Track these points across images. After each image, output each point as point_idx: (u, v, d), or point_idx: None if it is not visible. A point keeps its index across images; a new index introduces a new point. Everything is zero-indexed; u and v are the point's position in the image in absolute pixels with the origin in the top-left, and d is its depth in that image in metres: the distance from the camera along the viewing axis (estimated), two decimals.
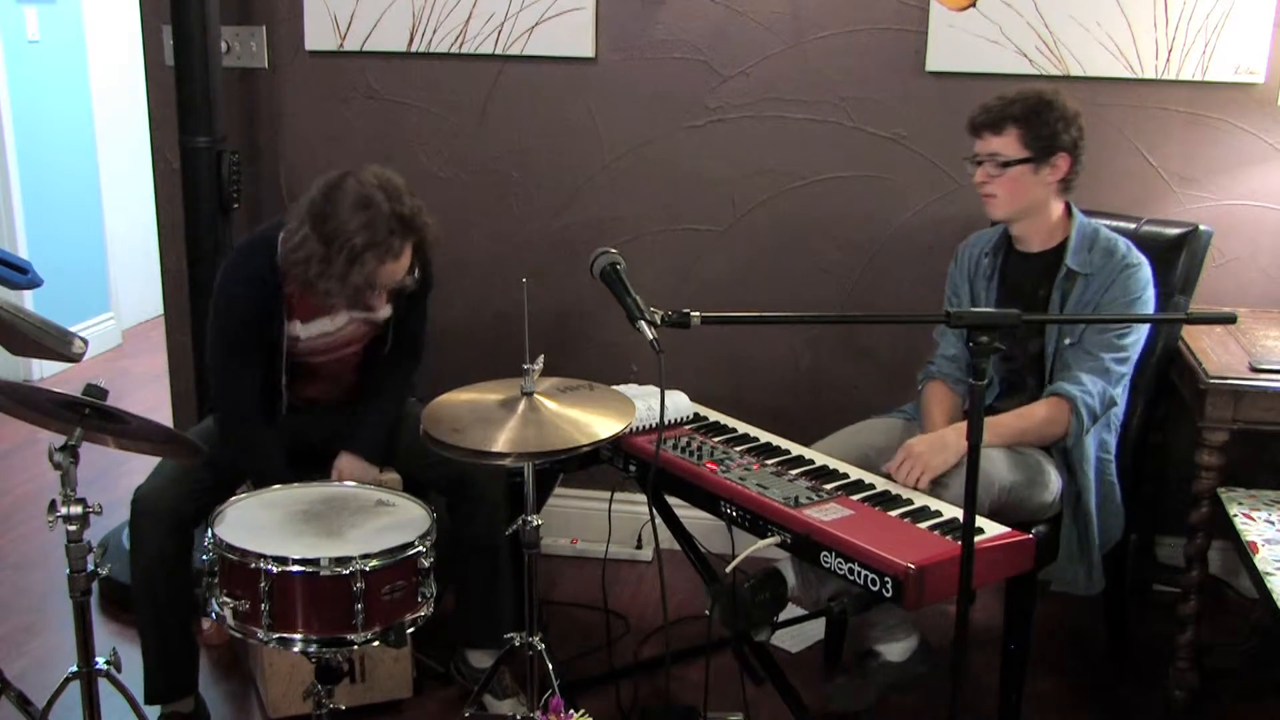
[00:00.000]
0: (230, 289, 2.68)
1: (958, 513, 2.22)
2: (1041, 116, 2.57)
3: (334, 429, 2.85)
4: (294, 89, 3.54)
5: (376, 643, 2.23)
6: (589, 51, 3.36)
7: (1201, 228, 2.87)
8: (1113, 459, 2.69)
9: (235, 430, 2.73)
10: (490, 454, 2.15)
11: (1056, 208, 2.68)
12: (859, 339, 3.44)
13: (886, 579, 2.09)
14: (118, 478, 3.87)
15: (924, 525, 2.27)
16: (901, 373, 2.94)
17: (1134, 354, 2.63)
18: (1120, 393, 2.63)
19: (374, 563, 2.19)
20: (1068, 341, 2.63)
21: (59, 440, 2.07)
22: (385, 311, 2.77)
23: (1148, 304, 2.63)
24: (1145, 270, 2.63)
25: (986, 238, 2.82)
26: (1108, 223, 2.94)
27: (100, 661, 2.23)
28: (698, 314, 2.06)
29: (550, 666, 2.43)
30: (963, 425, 2.57)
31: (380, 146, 3.50)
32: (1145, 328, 2.65)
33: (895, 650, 2.76)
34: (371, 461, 2.76)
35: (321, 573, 2.16)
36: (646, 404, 2.65)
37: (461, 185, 3.53)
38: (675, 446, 2.61)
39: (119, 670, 2.26)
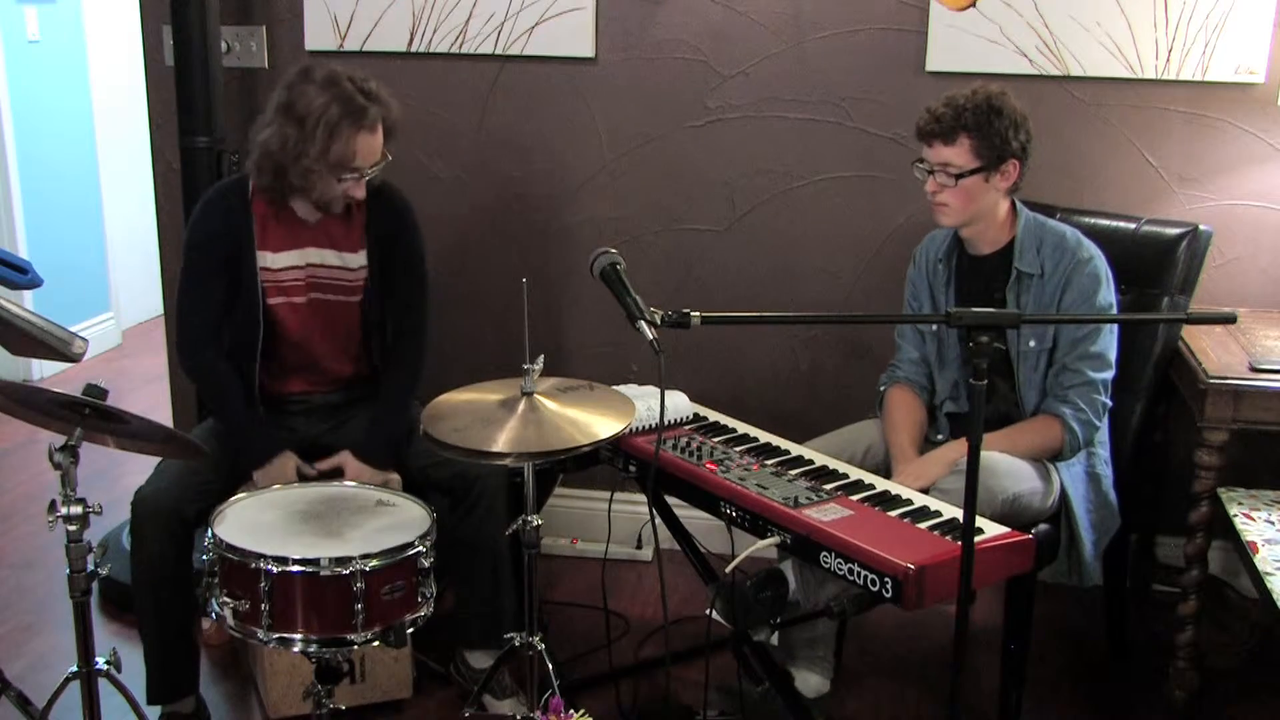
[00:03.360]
0: (198, 221, 2.77)
1: (958, 513, 2.22)
2: (993, 125, 2.54)
3: (324, 426, 2.86)
4: None
5: (376, 643, 2.23)
6: (589, 51, 3.36)
7: (1201, 228, 2.87)
8: (1101, 454, 2.68)
9: (193, 359, 2.78)
10: (490, 454, 2.15)
11: (1003, 207, 2.67)
12: (859, 339, 3.44)
13: (886, 579, 2.09)
14: (118, 478, 3.87)
15: (924, 525, 2.26)
16: None
17: (1111, 355, 2.63)
18: (1111, 393, 2.63)
19: (374, 563, 2.19)
20: (1032, 344, 2.63)
21: (59, 440, 2.07)
22: (350, 261, 2.78)
23: (1108, 299, 2.62)
24: (1096, 263, 2.61)
25: (939, 240, 2.81)
26: (1106, 222, 2.95)
27: (100, 661, 2.23)
28: (698, 314, 2.05)
29: (550, 666, 2.43)
30: (953, 446, 2.59)
31: None
32: (1115, 330, 2.64)
33: (809, 682, 2.75)
34: (375, 465, 2.75)
35: (321, 573, 2.16)
36: (646, 404, 2.65)
37: (461, 185, 3.53)
38: (675, 447, 2.61)
39: (119, 670, 2.26)
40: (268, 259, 2.74)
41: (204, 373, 2.79)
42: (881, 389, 2.88)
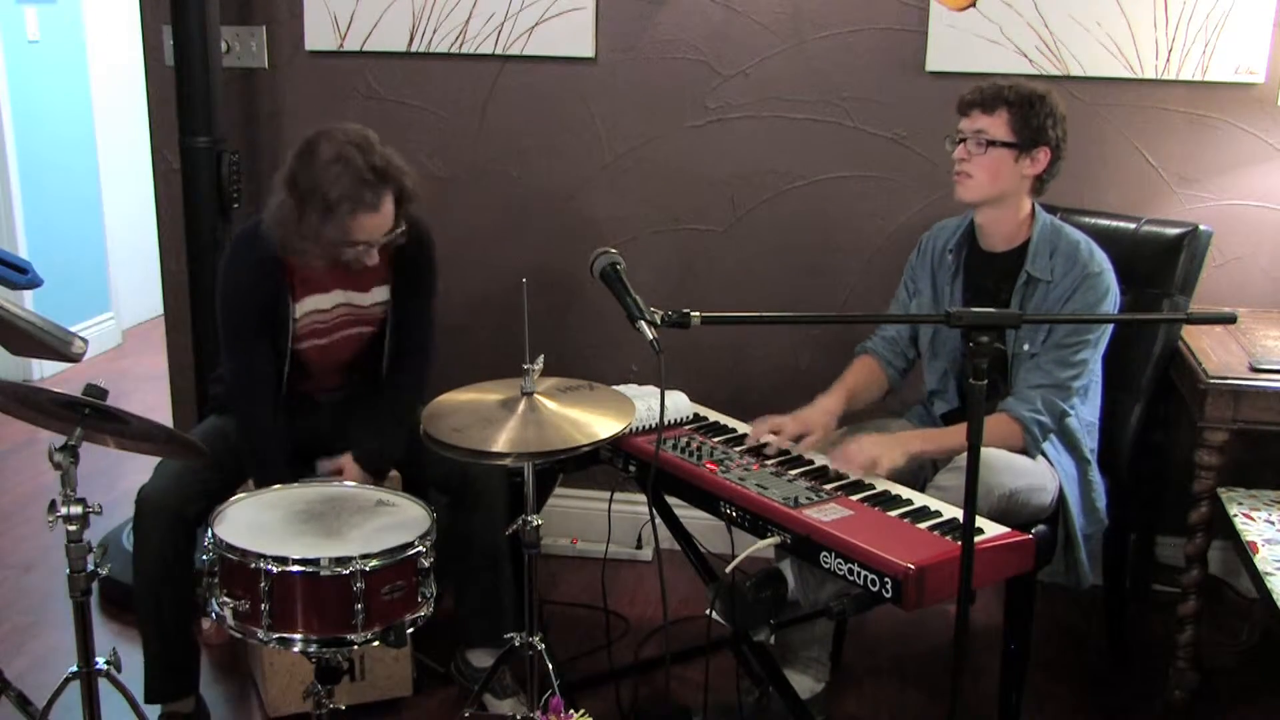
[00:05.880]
0: (233, 275, 2.71)
1: (957, 513, 2.22)
2: (1034, 107, 2.57)
3: (326, 427, 2.86)
4: (294, 89, 3.54)
5: (376, 643, 2.23)
6: (589, 51, 3.36)
7: (1201, 228, 2.87)
8: (1092, 461, 2.68)
9: (250, 418, 2.73)
10: (490, 454, 2.15)
11: (1025, 205, 2.67)
12: (859, 339, 3.43)
13: (886, 579, 2.09)
14: (118, 478, 3.87)
15: (924, 525, 2.27)
16: None
17: (1092, 366, 2.62)
18: (1077, 403, 2.62)
19: (374, 563, 2.19)
20: (1026, 347, 2.62)
21: (59, 440, 2.07)
22: (377, 296, 2.77)
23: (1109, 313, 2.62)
24: (1106, 276, 2.61)
25: (950, 229, 2.81)
26: (1106, 222, 2.95)
27: (100, 661, 2.23)
28: (698, 314, 2.05)
29: (550, 666, 2.43)
30: (914, 433, 2.62)
31: None
32: (1102, 343, 2.63)
33: (801, 684, 2.75)
34: (373, 474, 2.74)
35: (321, 573, 2.16)
36: (646, 404, 2.65)
37: (461, 185, 3.53)
38: (675, 446, 2.61)
39: (119, 670, 2.26)
40: (294, 308, 2.72)
41: (258, 433, 2.72)
42: (855, 354, 2.91)
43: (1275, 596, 2.36)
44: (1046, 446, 2.62)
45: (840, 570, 2.17)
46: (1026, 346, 2.63)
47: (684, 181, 3.43)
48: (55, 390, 2.07)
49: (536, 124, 3.46)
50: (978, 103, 2.61)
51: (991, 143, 2.58)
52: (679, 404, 2.80)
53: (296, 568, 2.16)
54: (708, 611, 2.43)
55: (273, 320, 2.70)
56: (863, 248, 3.39)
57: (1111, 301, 2.61)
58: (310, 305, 2.74)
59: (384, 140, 2.62)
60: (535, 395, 2.26)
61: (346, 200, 2.50)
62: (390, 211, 2.59)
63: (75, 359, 2.23)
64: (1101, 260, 2.62)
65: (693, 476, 2.50)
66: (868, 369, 2.87)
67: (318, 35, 3.46)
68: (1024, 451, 2.58)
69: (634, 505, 3.10)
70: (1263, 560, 2.50)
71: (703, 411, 2.85)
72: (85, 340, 2.23)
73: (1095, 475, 2.69)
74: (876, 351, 2.88)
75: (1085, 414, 2.69)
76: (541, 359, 2.29)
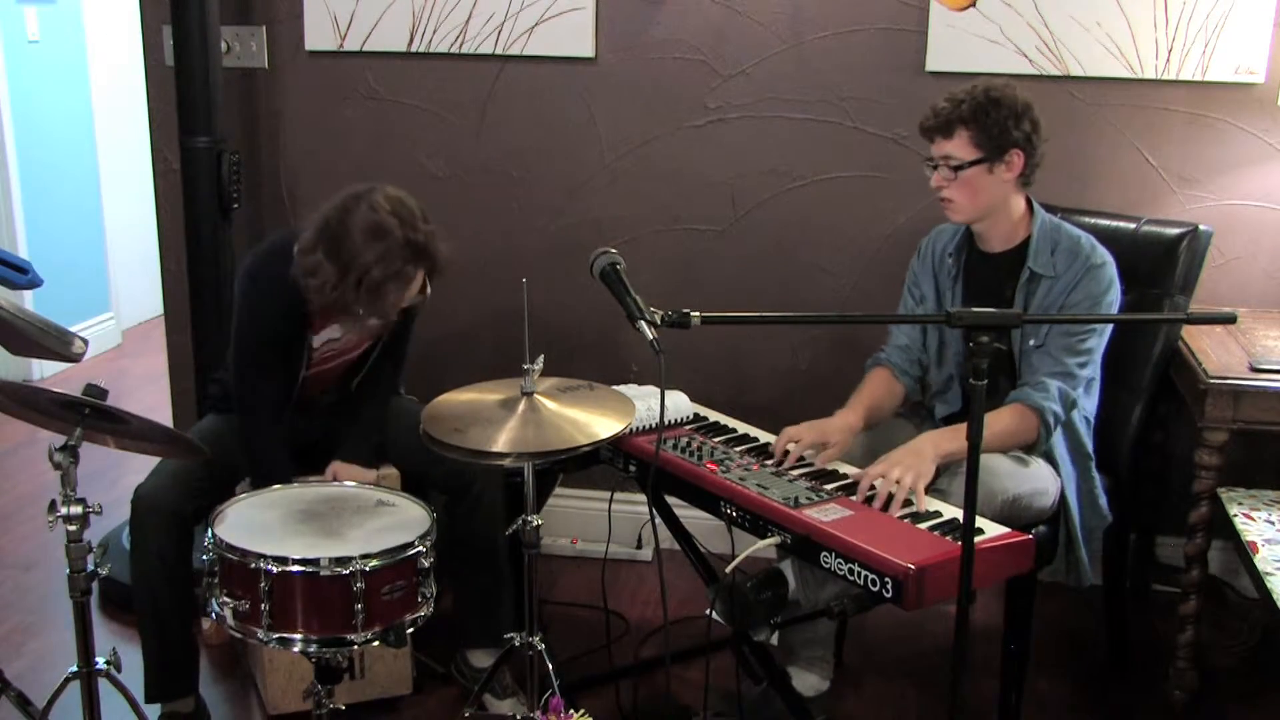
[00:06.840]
0: (255, 301, 2.67)
1: (958, 513, 2.22)
2: (990, 115, 2.52)
3: (326, 428, 2.87)
4: (294, 89, 3.54)
5: (376, 643, 2.23)
6: (589, 51, 3.36)
7: (1201, 228, 2.87)
8: (1091, 458, 2.68)
9: (257, 443, 2.72)
10: (490, 454, 2.15)
11: (1018, 204, 2.66)
12: (859, 339, 3.43)
13: (886, 579, 2.09)
14: (118, 478, 3.87)
15: (924, 526, 2.26)
16: None
17: (1097, 356, 2.62)
18: (1082, 394, 2.61)
19: (374, 563, 2.19)
20: (1031, 343, 2.62)
21: (59, 440, 2.07)
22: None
23: (1112, 305, 2.61)
24: (1109, 269, 2.61)
25: (949, 233, 2.80)
26: (1106, 222, 2.95)
27: (100, 661, 2.23)
28: (698, 314, 2.05)
29: (550, 666, 2.43)
30: (939, 434, 2.58)
31: (380, 146, 3.50)
32: (1107, 333, 2.63)
33: (807, 682, 2.75)
34: (364, 464, 2.75)
35: (321, 573, 2.16)
36: (646, 404, 2.65)
37: (461, 185, 3.53)
38: (675, 446, 2.61)
39: (119, 670, 2.26)
40: (311, 339, 2.72)
41: (265, 457, 2.71)
42: (866, 368, 2.88)
43: (1275, 596, 2.36)
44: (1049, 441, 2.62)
45: (840, 570, 2.17)
46: (1031, 342, 2.63)
47: (684, 181, 3.43)
48: (55, 390, 2.07)
49: (536, 124, 3.46)
50: (935, 129, 2.57)
51: (959, 167, 2.55)
52: (679, 404, 2.80)
53: (296, 568, 2.16)
54: (708, 611, 2.43)
55: (288, 350, 2.70)
56: (863, 248, 3.39)
57: (1115, 293, 2.61)
58: (325, 335, 2.75)
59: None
60: (535, 395, 2.27)
61: (391, 281, 2.48)
62: (420, 282, 2.58)
63: (75, 359, 2.23)
64: (1103, 253, 2.62)
65: (693, 476, 2.50)
66: (884, 381, 2.81)
67: (318, 35, 3.46)
68: (1036, 443, 2.58)
69: (634, 505, 3.10)
70: (1263, 560, 2.50)
71: (703, 411, 2.85)
72: (85, 340, 2.23)
73: (1094, 473, 2.69)
74: (891, 362, 2.83)
75: (1086, 408, 2.69)
76: (541, 359, 2.29)
